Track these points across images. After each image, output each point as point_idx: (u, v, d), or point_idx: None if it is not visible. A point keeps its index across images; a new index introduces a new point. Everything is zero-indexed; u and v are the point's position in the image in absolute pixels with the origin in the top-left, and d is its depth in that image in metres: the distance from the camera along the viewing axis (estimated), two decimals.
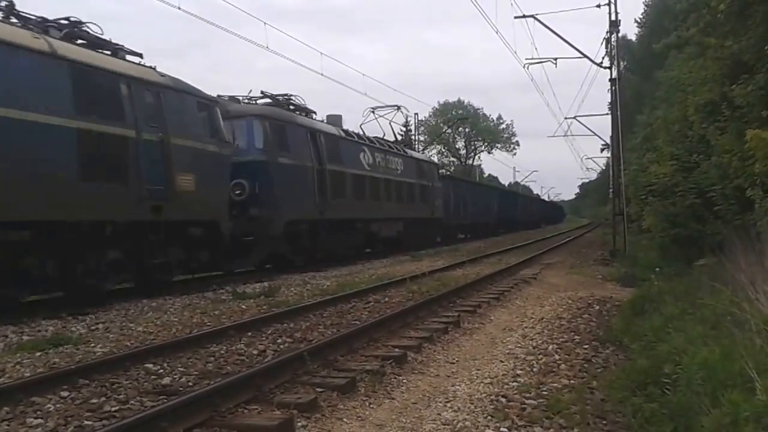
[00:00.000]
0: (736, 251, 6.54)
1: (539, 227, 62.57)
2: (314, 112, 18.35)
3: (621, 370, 5.40)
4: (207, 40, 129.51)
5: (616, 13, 20.26)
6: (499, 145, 78.99)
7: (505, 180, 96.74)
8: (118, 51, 11.12)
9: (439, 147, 72.88)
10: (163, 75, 11.67)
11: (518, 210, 55.75)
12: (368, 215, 20.22)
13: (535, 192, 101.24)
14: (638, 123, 28.40)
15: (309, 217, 16.37)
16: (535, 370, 5.77)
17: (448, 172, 54.22)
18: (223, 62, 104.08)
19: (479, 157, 79.55)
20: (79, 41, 10.50)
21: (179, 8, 15.31)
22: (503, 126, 79.75)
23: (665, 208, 11.93)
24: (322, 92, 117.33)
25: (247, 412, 4.45)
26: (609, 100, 23.32)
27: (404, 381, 5.39)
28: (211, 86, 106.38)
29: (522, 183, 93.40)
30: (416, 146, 56.56)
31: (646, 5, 38.09)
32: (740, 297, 5.24)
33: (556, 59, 22.89)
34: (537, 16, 19.83)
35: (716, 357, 4.20)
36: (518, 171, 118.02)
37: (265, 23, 21.20)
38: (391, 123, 27.26)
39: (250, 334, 7.36)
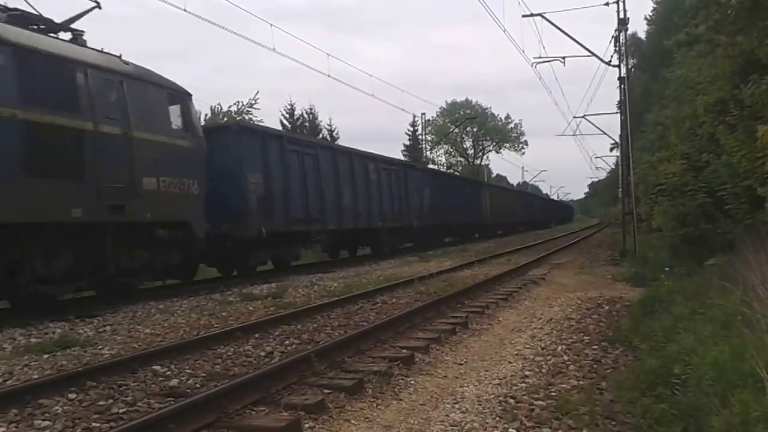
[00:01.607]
0: (746, 250, 6.50)
1: (547, 228, 59.83)
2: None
3: (630, 371, 5.36)
4: (213, 42, 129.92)
5: (625, 11, 20.22)
6: (507, 145, 78.73)
7: (514, 179, 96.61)
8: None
9: (446, 147, 72.83)
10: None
11: (486, 208, 37.66)
12: None
13: (544, 192, 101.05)
14: (648, 122, 28.24)
15: None
16: (543, 370, 5.74)
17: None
18: (229, 64, 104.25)
19: (487, 157, 79.35)
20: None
21: (185, 10, 15.26)
22: (511, 125, 79.48)
23: (675, 208, 11.86)
24: (329, 93, 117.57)
25: (255, 414, 4.44)
26: (618, 99, 23.16)
27: (412, 382, 5.36)
28: (216, 87, 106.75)
29: (531, 182, 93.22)
30: (423, 146, 56.32)
31: (655, 2, 37.79)
32: (751, 297, 5.19)
33: (564, 58, 22.88)
34: (544, 15, 19.83)
35: (726, 357, 4.16)
36: (527, 171, 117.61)
37: (271, 25, 21.29)
38: None
39: (257, 335, 7.37)
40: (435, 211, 27.73)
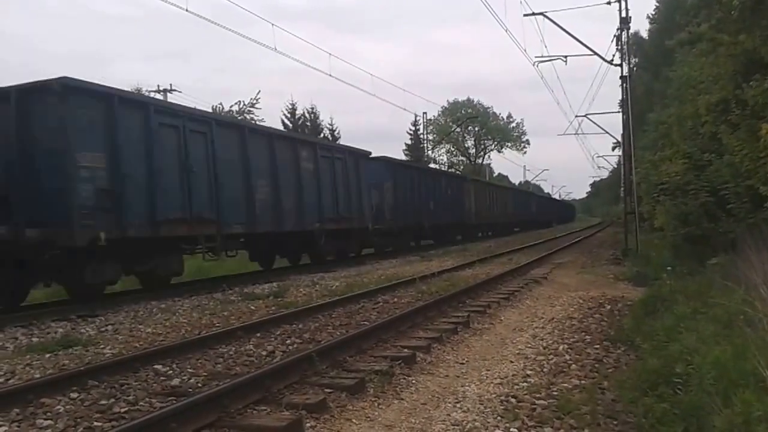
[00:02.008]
0: (748, 250, 6.49)
1: (549, 227, 59.55)
2: None
3: (632, 370, 5.35)
4: (213, 42, 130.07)
5: (627, 10, 20.14)
6: (509, 144, 78.73)
7: (516, 179, 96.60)
8: None
9: (448, 146, 72.81)
10: None
11: (471, 206, 33.02)
12: None
13: (546, 191, 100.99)
14: (650, 121, 28.20)
15: None
16: (545, 370, 5.73)
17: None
18: (230, 63, 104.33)
19: (489, 156, 79.33)
20: None
21: (186, 10, 15.33)
22: (513, 125, 79.51)
23: (677, 207, 11.85)
24: (330, 93, 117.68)
25: (256, 413, 4.44)
26: (620, 98, 23.16)
27: (413, 381, 5.36)
28: (217, 87, 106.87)
29: (533, 182, 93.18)
30: (425, 145, 56.22)
31: (657, 1, 37.75)
32: (753, 296, 5.18)
33: (566, 57, 22.88)
34: (546, 14, 19.79)
35: (728, 356, 4.15)
36: (529, 170, 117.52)
37: (272, 24, 21.43)
38: None
39: (258, 335, 7.38)
40: (400, 210, 23.74)
